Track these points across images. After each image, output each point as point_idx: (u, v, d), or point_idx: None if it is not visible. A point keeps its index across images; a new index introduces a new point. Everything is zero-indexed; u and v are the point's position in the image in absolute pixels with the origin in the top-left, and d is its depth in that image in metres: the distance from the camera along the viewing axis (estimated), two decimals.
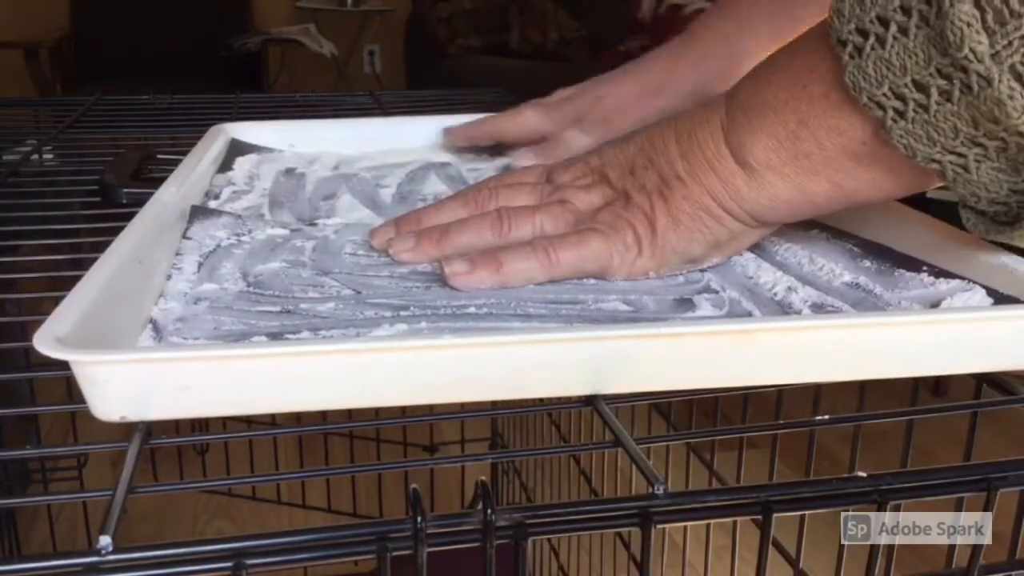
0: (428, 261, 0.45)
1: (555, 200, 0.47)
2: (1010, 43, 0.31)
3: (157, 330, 0.37)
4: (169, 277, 0.43)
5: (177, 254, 0.45)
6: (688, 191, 0.43)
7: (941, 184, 0.38)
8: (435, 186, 0.60)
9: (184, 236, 0.48)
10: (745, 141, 0.41)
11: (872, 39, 0.35)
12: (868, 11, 0.35)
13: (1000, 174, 0.35)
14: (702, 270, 0.45)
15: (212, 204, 0.54)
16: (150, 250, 0.42)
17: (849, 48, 0.35)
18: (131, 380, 0.30)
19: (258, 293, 0.41)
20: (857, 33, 0.35)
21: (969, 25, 0.31)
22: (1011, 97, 0.31)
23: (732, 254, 0.44)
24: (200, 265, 0.44)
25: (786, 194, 0.41)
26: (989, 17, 0.31)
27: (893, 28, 0.34)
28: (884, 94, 0.35)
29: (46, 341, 0.30)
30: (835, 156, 0.38)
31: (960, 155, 0.35)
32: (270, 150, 0.68)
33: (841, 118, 0.38)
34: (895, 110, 0.35)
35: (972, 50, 0.31)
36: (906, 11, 0.33)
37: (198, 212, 0.51)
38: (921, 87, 0.34)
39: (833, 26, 0.36)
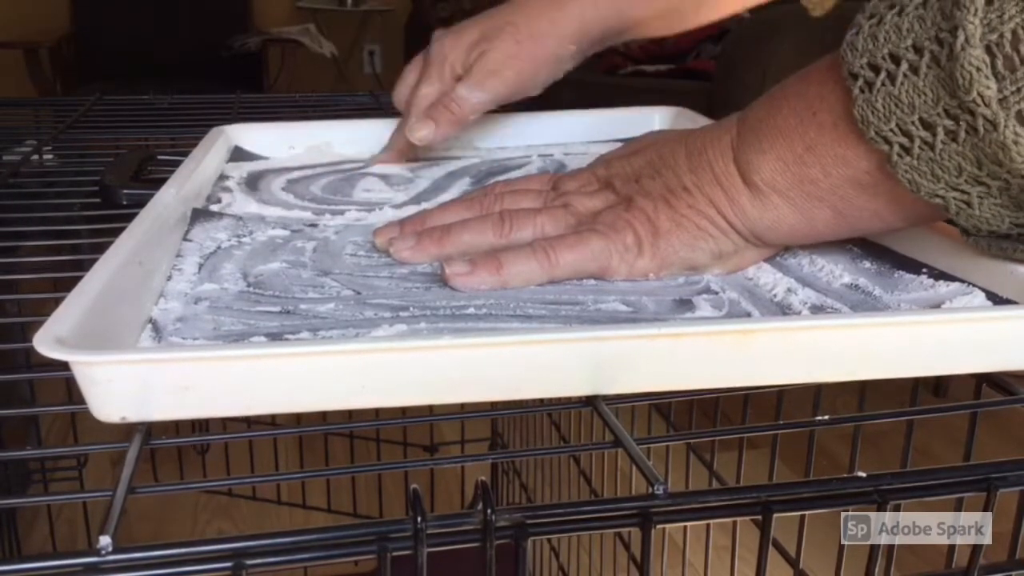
0: (429, 260, 0.45)
1: (558, 204, 0.47)
2: (1018, 90, 0.31)
3: (157, 330, 0.37)
4: (169, 278, 0.43)
5: (178, 255, 0.45)
6: (694, 200, 0.43)
7: (944, 217, 0.38)
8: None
9: (185, 238, 0.48)
10: (753, 161, 0.41)
11: (883, 75, 0.35)
12: (881, 48, 0.35)
13: (1003, 210, 0.36)
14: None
15: (213, 207, 0.54)
16: (150, 251, 0.42)
17: (860, 82, 0.36)
18: (132, 380, 0.30)
19: (258, 293, 0.41)
20: (869, 68, 0.36)
21: (979, 69, 0.32)
22: (1016, 142, 0.32)
23: (734, 269, 0.45)
24: (200, 266, 0.44)
25: (789, 217, 0.41)
26: (999, 63, 0.31)
27: (904, 66, 0.34)
28: (891, 130, 0.35)
29: (46, 342, 0.30)
30: (840, 184, 0.39)
31: (963, 192, 0.35)
32: (265, 158, 0.68)
33: (848, 148, 0.38)
34: (901, 146, 0.35)
35: (980, 94, 0.32)
36: (918, 51, 0.34)
37: (199, 214, 0.51)
38: (928, 126, 0.34)
39: (846, 59, 0.37)
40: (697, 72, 2.17)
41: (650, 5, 0.66)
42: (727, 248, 0.43)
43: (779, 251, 0.45)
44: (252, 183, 0.60)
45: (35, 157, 0.77)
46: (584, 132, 0.74)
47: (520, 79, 0.63)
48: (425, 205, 0.57)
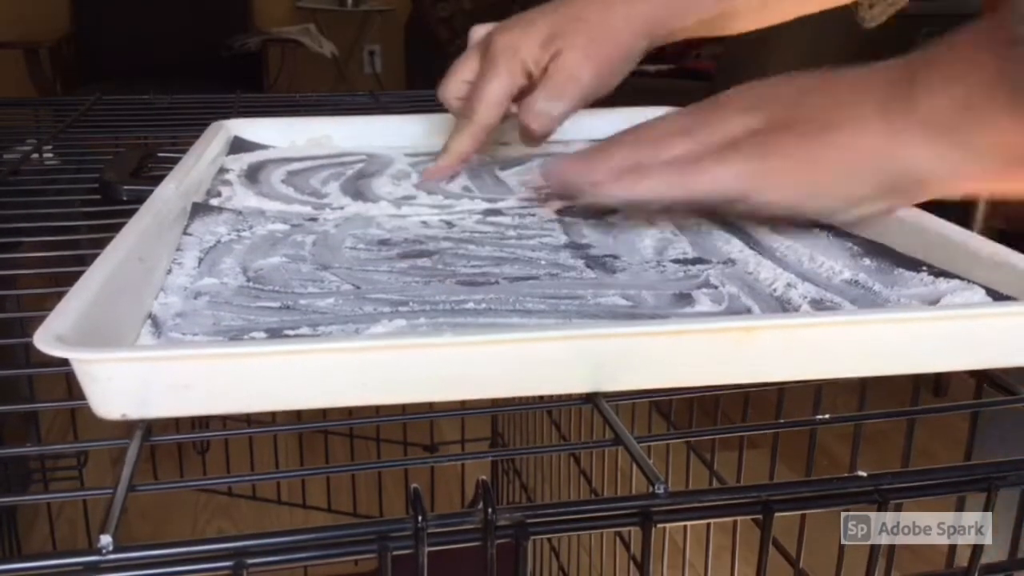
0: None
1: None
2: None
3: (156, 325, 0.37)
4: (169, 272, 0.43)
5: (177, 250, 0.45)
6: (851, 139, 0.42)
7: None
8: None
9: (185, 232, 0.48)
10: (910, 110, 0.40)
11: None
12: None
13: None
14: (717, 263, 0.45)
15: (213, 202, 0.54)
16: (150, 247, 0.42)
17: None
18: (132, 378, 0.30)
19: (258, 288, 0.41)
20: None
21: None
22: None
23: (900, 203, 0.44)
24: (200, 260, 0.44)
25: (940, 168, 0.41)
26: None
27: None
28: None
29: (46, 339, 0.30)
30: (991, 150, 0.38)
31: None
32: (267, 147, 0.68)
33: (1004, 117, 0.37)
34: None
35: None
36: None
37: (199, 209, 0.51)
38: None
39: (1013, 27, 0.36)
40: (697, 72, 2.17)
41: (716, 6, 0.63)
42: (899, 180, 0.42)
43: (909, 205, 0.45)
44: (252, 175, 0.60)
45: (35, 156, 0.77)
46: (584, 132, 0.74)
47: (597, 82, 0.59)
48: (423, 196, 0.57)
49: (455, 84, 0.62)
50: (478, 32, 0.64)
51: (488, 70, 0.59)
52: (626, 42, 0.59)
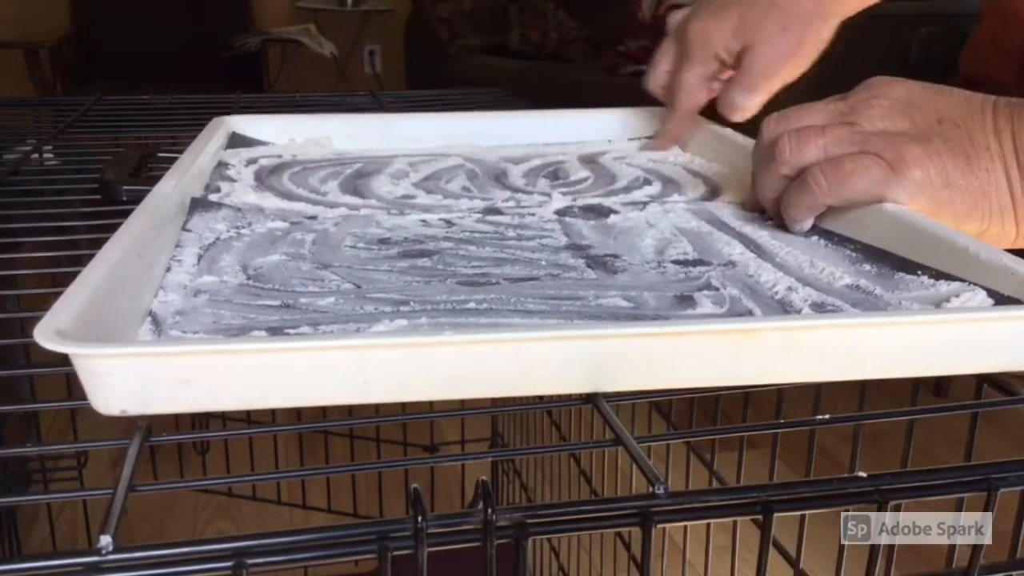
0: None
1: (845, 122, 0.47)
2: None
3: (156, 323, 0.37)
4: (169, 269, 0.43)
5: (177, 246, 0.45)
6: (993, 166, 0.44)
7: None
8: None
9: (184, 228, 0.48)
10: None
11: None
12: None
13: None
14: (717, 265, 0.45)
15: (212, 197, 0.54)
16: (149, 243, 0.42)
17: None
18: (132, 373, 0.30)
19: (258, 287, 0.41)
20: None
21: None
22: None
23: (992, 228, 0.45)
24: (200, 257, 0.44)
25: None
26: None
27: None
28: None
29: (46, 334, 0.30)
30: None
31: None
32: (265, 143, 0.68)
33: None
34: None
35: None
36: None
37: (198, 204, 0.51)
38: None
39: None
40: None
41: None
42: (994, 226, 0.44)
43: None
44: (252, 174, 0.60)
45: (35, 156, 0.77)
46: (584, 132, 0.74)
47: (792, 71, 0.62)
48: (422, 195, 0.58)
49: (658, 74, 0.67)
50: (675, 17, 0.67)
51: (684, 60, 0.63)
52: (817, 26, 0.61)
